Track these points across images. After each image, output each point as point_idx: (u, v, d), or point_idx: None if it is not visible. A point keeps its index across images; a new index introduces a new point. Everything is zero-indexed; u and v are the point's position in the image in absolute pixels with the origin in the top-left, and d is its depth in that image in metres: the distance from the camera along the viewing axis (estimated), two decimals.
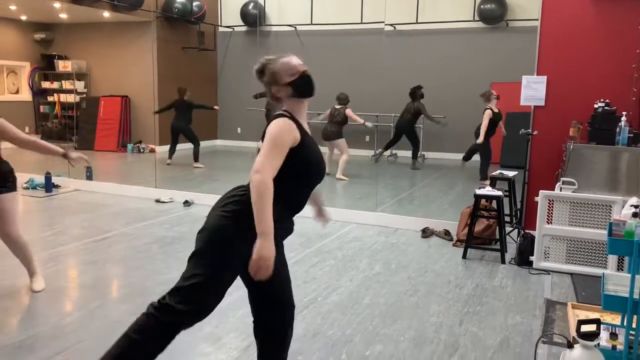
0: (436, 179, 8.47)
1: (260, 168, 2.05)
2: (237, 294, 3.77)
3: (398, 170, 9.79)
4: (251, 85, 10.04)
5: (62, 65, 11.60)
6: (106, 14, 10.16)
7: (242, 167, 9.01)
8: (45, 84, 12.05)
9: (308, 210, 6.67)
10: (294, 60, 2.30)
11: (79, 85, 11.57)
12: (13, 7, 9.97)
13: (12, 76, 11.86)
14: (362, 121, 8.41)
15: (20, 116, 11.50)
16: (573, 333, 2.99)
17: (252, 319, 3.37)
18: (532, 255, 4.51)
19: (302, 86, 2.25)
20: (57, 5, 9.53)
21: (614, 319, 3.26)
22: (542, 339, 3.16)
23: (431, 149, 10.16)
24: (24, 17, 11.37)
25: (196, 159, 9.30)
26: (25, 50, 11.86)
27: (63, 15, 10.56)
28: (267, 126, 2.20)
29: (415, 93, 8.95)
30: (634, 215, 2.73)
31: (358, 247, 5.01)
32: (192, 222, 5.76)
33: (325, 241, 5.19)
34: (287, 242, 5.46)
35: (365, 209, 6.12)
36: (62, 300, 3.65)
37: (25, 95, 12.02)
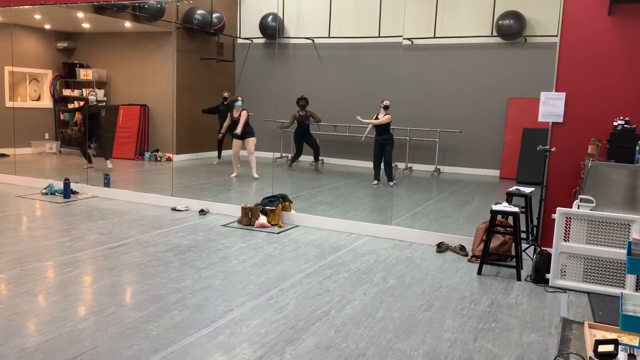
0: (451, 194, 8.44)
1: None
2: (250, 304, 3.79)
3: (413, 184, 9.77)
4: (268, 97, 10.19)
5: (83, 74, 11.79)
6: (127, 24, 10.33)
7: (257, 176, 9.05)
8: (66, 92, 12.25)
9: (322, 222, 6.66)
10: None
11: (99, 94, 11.73)
12: (37, 17, 10.19)
13: (34, 83, 12.08)
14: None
15: (41, 123, 11.70)
16: (590, 353, 2.95)
17: (265, 329, 3.38)
18: (549, 272, 4.46)
19: None
20: (80, 15, 9.72)
21: (632, 339, 3.21)
22: (558, 358, 3.13)
23: (446, 163, 10.13)
24: (47, 26, 11.60)
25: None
26: (48, 58, 12.09)
27: (85, 25, 10.75)
28: None
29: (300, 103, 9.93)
30: None
31: (372, 260, 5.00)
32: (208, 230, 5.79)
33: (339, 253, 5.18)
34: (301, 254, 5.49)
35: (379, 222, 6.11)
36: (78, 306, 3.68)
37: (46, 102, 12.23)
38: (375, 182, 8.93)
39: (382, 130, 8.82)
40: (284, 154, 10.86)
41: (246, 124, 9.23)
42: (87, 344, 3.11)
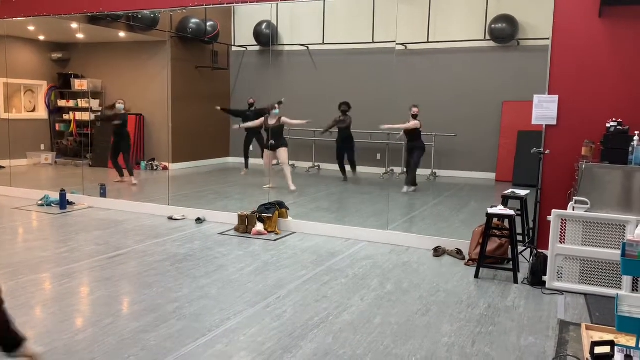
0: (447, 198, 8.45)
1: None
2: (247, 313, 3.79)
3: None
4: (263, 104, 10.16)
5: (78, 84, 11.79)
6: (122, 34, 10.35)
7: (253, 183, 9.05)
8: (62, 102, 12.25)
9: (319, 229, 6.67)
10: None
11: (94, 104, 11.73)
12: (32, 28, 10.20)
13: (29, 94, 12.07)
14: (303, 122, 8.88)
15: (36, 134, 11.69)
16: (587, 355, 2.96)
17: (262, 337, 3.38)
18: (545, 275, 4.47)
19: None
20: (74, 25, 9.73)
21: (629, 340, 3.22)
22: None
23: (442, 167, 10.14)
24: (42, 38, 11.61)
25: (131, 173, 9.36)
26: (43, 69, 12.09)
27: (80, 36, 10.78)
28: None
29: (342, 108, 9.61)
30: None
31: (369, 266, 5.00)
32: (204, 239, 5.79)
33: (337, 259, 5.18)
34: (298, 260, 5.49)
35: (376, 227, 6.11)
36: (75, 317, 3.68)
37: (42, 113, 12.22)
38: (412, 188, 8.74)
39: (413, 136, 8.73)
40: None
41: (281, 130, 8.82)
42: (85, 355, 3.10)
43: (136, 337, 3.35)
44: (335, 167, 10.39)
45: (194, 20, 10.92)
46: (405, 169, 8.99)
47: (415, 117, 8.68)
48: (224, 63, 12.10)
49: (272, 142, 8.69)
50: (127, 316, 3.73)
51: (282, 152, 8.73)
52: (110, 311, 3.77)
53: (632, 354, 2.85)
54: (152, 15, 9.53)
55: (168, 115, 9.18)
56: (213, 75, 11.80)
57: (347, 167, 9.87)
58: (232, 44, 12.19)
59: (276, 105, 8.82)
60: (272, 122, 8.75)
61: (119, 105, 9.56)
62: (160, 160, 11.00)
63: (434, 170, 9.96)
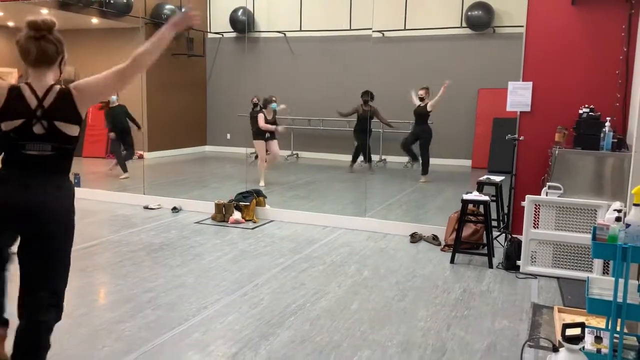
0: (424, 184, 8.52)
1: None
2: (224, 301, 3.78)
3: (387, 176, 9.82)
4: (240, 91, 10.06)
5: None
6: (94, 21, 10.13)
7: (231, 173, 8.99)
8: None
9: (297, 217, 6.66)
10: None
11: None
12: (0, 14, 9.92)
13: None
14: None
15: None
16: (558, 337, 3.01)
17: (239, 325, 3.37)
18: (519, 259, 4.54)
19: None
20: (44, 11, 9.49)
21: (599, 322, 3.29)
22: (528, 343, 3.19)
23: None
24: (11, 24, 11.30)
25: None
26: (13, 56, 11.76)
27: None
28: None
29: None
30: (617, 219, 2.77)
31: (347, 253, 5.02)
32: (181, 228, 5.74)
33: (315, 247, 5.19)
34: (276, 248, 5.45)
35: (354, 215, 6.13)
36: None
37: None
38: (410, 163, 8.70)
39: (422, 120, 8.59)
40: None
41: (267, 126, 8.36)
42: (56, 346, 3.04)
43: (111, 327, 3.31)
44: (313, 155, 10.38)
45: (168, 7, 10.75)
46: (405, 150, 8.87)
47: (422, 99, 8.58)
48: (200, 50, 11.94)
49: (268, 134, 8.38)
50: (101, 307, 3.69)
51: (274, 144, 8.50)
52: (84, 302, 3.72)
53: (601, 335, 2.91)
54: (125, 1, 9.35)
55: (142, 104, 9.04)
56: (189, 63, 11.64)
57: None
58: (208, 30, 12.03)
59: (274, 99, 8.42)
60: (270, 116, 8.36)
61: (113, 97, 9.14)
62: (136, 148, 10.84)
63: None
